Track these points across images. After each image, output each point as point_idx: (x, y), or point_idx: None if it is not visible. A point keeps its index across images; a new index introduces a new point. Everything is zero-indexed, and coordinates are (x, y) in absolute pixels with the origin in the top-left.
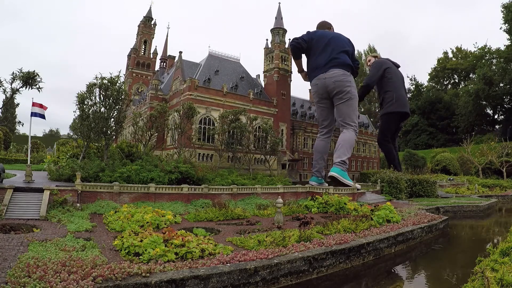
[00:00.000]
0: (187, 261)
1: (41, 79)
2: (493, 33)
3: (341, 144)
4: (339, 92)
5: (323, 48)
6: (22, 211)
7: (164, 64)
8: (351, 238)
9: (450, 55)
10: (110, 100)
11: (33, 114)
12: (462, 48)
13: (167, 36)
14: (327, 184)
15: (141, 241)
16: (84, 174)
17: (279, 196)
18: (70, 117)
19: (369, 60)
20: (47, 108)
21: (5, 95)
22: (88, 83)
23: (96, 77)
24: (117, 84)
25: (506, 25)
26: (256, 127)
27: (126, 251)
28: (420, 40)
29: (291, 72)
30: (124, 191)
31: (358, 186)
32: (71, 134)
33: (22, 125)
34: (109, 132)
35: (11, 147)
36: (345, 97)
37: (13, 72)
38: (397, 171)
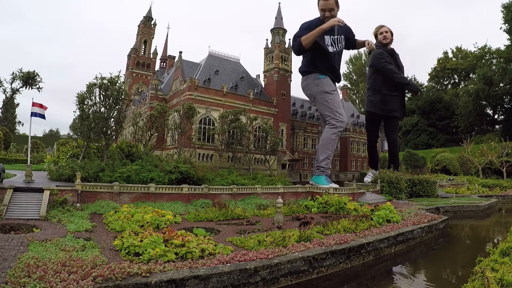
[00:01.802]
0: (187, 261)
1: (41, 79)
2: (493, 33)
3: (317, 149)
4: (310, 98)
5: None
6: (22, 211)
7: (164, 64)
8: (351, 238)
9: (450, 55)
10: (110, 100)
11: (33, 114)
12: (462, 48)
13: (167, 36)
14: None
15: (141, 241)
16: (84, 174)
17: (279, 196)
18: (70, 117)
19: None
20: (47, 108)
21: (5, 95)
22: (88, 83)
23: (96, 77)
24: (117, 84)
25: (506, 25)
26: (256, 127)
27: (126, 251)
28: (420, 40)
29: (291, 72)
30: (124, 191)
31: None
32: (71, 134)
33: (22, 125)
34: (109, 132)
35: (11, 147)
36: (312, 100)
37: (13, 72)
38: (397, 171)
